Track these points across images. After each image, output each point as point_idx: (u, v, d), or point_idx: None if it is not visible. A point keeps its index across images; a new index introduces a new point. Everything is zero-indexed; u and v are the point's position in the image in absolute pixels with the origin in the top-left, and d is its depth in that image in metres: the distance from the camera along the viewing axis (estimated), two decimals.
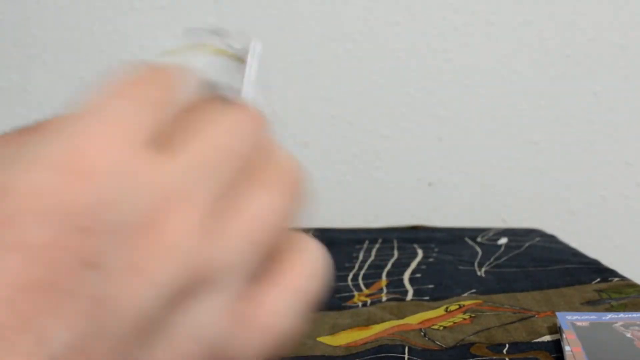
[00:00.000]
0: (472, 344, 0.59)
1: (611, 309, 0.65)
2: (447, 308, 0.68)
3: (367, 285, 0.78)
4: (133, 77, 0.24)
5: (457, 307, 0.68)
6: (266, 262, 0.23)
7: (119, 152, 0.20)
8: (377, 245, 0.95)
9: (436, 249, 0.92)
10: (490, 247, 0.93)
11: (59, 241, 0.18)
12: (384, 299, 0.73)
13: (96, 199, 0.19)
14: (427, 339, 0.60)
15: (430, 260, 0.87)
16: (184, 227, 0.20)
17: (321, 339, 0.62)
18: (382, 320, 0.65)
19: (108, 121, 0.21)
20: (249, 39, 0.32)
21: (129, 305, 0.19)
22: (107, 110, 0.22)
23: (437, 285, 0.76)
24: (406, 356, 0.56)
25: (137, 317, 0.19)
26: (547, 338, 0.58)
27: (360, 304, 0.72)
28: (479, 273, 0.81)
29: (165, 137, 0.22)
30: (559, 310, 0.63)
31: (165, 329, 0.20)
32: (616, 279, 0.74)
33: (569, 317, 0.57)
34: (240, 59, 0.33)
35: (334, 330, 0.64)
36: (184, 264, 0.20)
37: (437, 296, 0.73)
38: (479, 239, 0.97)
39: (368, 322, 0.65)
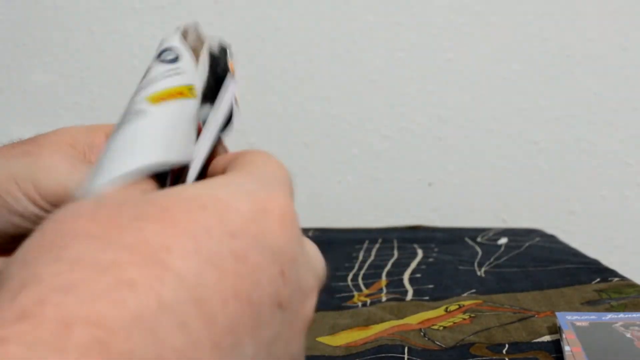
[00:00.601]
0: (472, 344, 0.59)
1: (611, 309, 0.65)
2: (447, 308, 0.68)
3: (366, 285, 0.78)
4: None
5: (457, 307, 0.68)
6: None
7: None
8: (377, 245, 0.95)
9: (436, 249, 0.92)
10: (490, 247, 0.93)
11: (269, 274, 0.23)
12: (384, 299, 0.73)
13: (299, 252, 0.25)
14: (426, 339, 0.60)
15: (430, 260, 0.87)
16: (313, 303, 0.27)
17: (321, 339, 0.62)
18: (382, 321, 0.65)
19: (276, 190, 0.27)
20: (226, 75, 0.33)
21: (294, 347, 0.25)
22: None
23: (437, 285, 0.76)
24: (406, 356, 0.56)
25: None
26: (546, 338, 0.58)
27: (360, 304, 0.72)
28: (478, 273, 0.81)
29: None
30: (559, 310, 0.63)
31: None
32: (616, 279, 0.74)
33: (568, 317, 0.57)
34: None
35: (333, 330, 0.64)
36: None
37: (437, 296, 0.73)
38: (479, 239, 0.97)
39: (368, 322, 0.65)
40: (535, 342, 0.58)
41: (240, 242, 0.23)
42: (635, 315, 0.57)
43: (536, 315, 0.64)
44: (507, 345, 0.58)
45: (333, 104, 1.13)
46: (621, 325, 0.55)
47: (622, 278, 0.75)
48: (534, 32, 1.12)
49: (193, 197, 0.24)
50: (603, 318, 0.57)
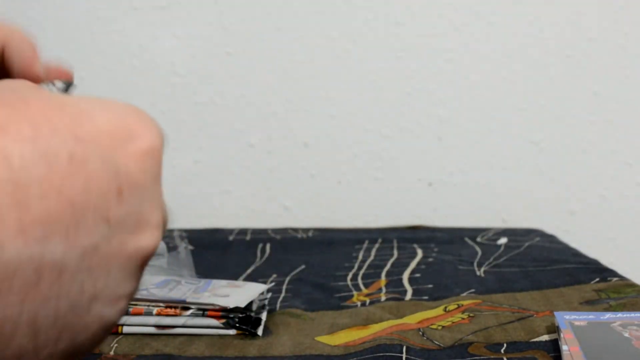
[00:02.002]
0: (471, 343, 0.59)
1: (610, 309, 0.65)
2: (445, 308, 0.68)
3: (366, 285, 0.78)
4: None
5: (456, 306, 0.68)
6: None
7: None
8: (376, 245, 0.95)
9: (436, 249, 0.92)
10: (489, 247, 0.93)
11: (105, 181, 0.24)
12: (383, 298, 0.73)
13: (151, 185, 0.26)
14: (425, 338, 0.60)
15: (430, 260, 0.87)
16: None
17: (319, 339, 0.62)
18: (381, 320, 0.66)
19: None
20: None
21: (114, 270, 0.24)
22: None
23: (436, 285, 0.77)
24: (404, 355, 0.56)
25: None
26: (545, 337, 0.58)
27: (359, 303, 0.72)
28: (478, 273, 0.81)
29: None
30: (558, 310, 0.63)
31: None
32: (615, 278, 0.74)
33: (567, 317, 0.57)
34: None
35: (332, 329, 0.64)
36: None
37: (436, 296, 0.73)
38: (478, 239, 0.97)
39: (367, 322, 0.65)
40: (533, 342, 0.58)
41: (83, 147, 0.23)
42: (633, 315, 0.57)
43: (535, 315, 0.64)
44: (505, 345, 0.58)
45: (333, 104, 1.13)
46: (619, 325, 0.55)
47: (621, 278, 0.75)
48: (534, 32, 1.12)
49: (56, 99, 0.25)
50: (601, 318, 0.57)
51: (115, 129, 0.26)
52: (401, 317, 0.66)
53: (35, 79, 0.36)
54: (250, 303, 0.64)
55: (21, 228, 0.22)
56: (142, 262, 0.26)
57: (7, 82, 0.26)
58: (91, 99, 0.26)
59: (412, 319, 0.65)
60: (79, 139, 0.24)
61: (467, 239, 0.97)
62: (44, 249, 0.22)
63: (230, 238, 1.01)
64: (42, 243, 0.22)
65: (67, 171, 0.23)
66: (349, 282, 0.80)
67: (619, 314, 0.58)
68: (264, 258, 0.91)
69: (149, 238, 0.26)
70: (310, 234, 1.02)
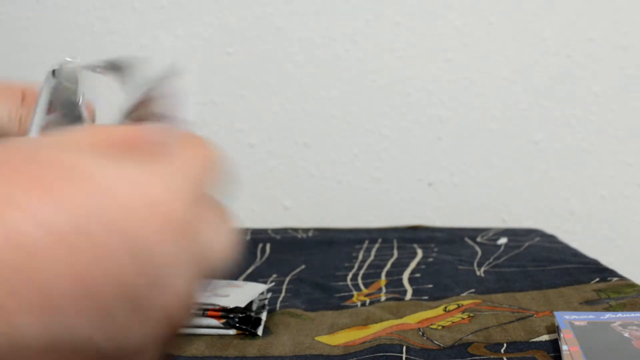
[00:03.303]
0: (470, 343, 0.59)
1: (610, 309, 0.65)
2: (445, 308, 0.68)
3: (366, 285, 0.78)
4: None
5: (456, 306, 0.68)
6: None
7: None
8: (376, 245, 0.95)
9: (436, 249, 0.92)
10: (489, 247, 0.93)
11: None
12: (383, 298, 0.73)
13: (175, 256, 0.24)
14: (425, 338, 0.60)
15: (430, 260, 0.87)
16: None
17: (319, 339, 0.62)
18: (381, 320, 0.66)
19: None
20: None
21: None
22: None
23: (436, 285, 0.77)
24: (404, 355, 0.56)
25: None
26: (545, 337, 0.58)
27: (359, 303, 0.72)
28: (478, 273, 0.81)
29: None
30: (557, 310, 0.63)
31: None
32: (615, 278, 0.74)
33: (567, 317, 0.57)
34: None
35: (332, 329, 0.64)
36: None
37: (436, 296, 0.73)
38: (478, 239, 0.97)
39: (367, 322, 0.65)
40: (533, 342, 0.58)
41: (98, 222, 0.22)
42: (633, 314, 0.57)
43: (535, 315, 0.64)
44: (505, 345, 0.58)
45: (333, 104, 1.13)
46: (619, 325, 0.55)
47: (621, 278, 0.75)
48: (534, 32, 1.12)
49: (70, 163, 0.23)
50: (601, 317, 0.57)
51: (135, 198, 0.24)
52: (401, 317, 0.66)
53: None
54: (250, 303, 0.64)
55: (39, 307, 0.21)
56: (171, 330, 0.25)
57: (16, 141, 0.25)
58: (113, 163, 0.25)
59: (412, 319, 0.65)
60: (93, 214, 0.22)
61: (467, 239, 0.97)
62: (63, 329, 0.21)
63: None
64: (60, 323, 0.21)
65: (81, 249, 0.22)
66: (349, 282, 0.80)
67: (619, 314, 0.58)
68: (264, 258, 0.91)
69: (175, 307, 0.24)
70: (310, 234, 1.02)
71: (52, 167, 0.23)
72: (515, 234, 0.98)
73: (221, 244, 0.27)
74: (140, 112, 0.35)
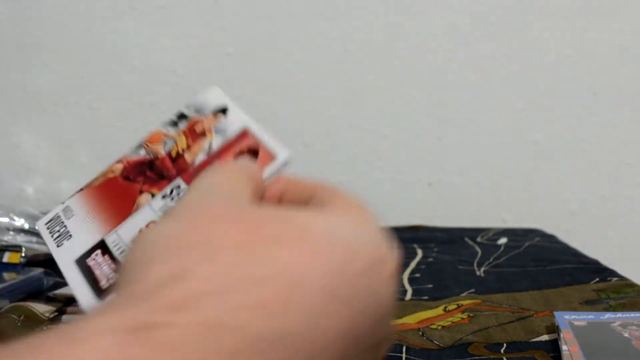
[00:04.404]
0: (470, 343, 0.59)
1: (609, 309, 0.65)
2: (445, 308, 0.68)
3: None
4: None
5: (456, 306, 0.68)
6: None
7: None
8: None
9: (436, 249, 0.92)
10: (489, 247, 0.93)
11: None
12: None
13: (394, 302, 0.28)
14: (425, 338, 0.60)
15: (430, 260, 0.87)
16: None
17: None
18: None
19: None
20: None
21: None
22: None
23: (436, 285, 0.76)
24: (404, 355, 0.56)
25: None
26: (545, 337, 0.58)
27: None
28: (478, 273, 0.81)
29: None
30: (557, 310, 0.63)
31: None
32: (615, 278, 0.74)
33: (566, 317, 0.57)
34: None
35: None
36: None
37: (436, 296, 0.73)
38: (478, 239, 0.97)
39: None
40: (533, 342, 0.58)
41: (357, 287, 0.25)
42: (633, 314, 0.57)
43: (534, 315, 0.64)
44: (505, 345, 0.58)
45: (333, 104, 1.13)
46: (619, 325, 0.55)
47: (621, 278, 0.75)
48: (534, 32, 1.12)
49: (327, 232, 0.26)
50: (601, 317, 0.57)
51: (374, 260, 0.27)
52: (401, 317, 0.66)
53: None
54: None
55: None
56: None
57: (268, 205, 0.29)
58: (345, 224, 0.27)
59: (411, 319, 0.65)
60: (354, 280, 0.25)
61: (467, 239, 0.97)
62: None
63: None
64: None
65: (349, 315, 0.24)
66: None
67: (619, 314, 0.58)
68: None
69: (388, 349, 0.28)
70: None
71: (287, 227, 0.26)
72: (515, 234, 0.98)
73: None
74: (236, 148, 0.37)
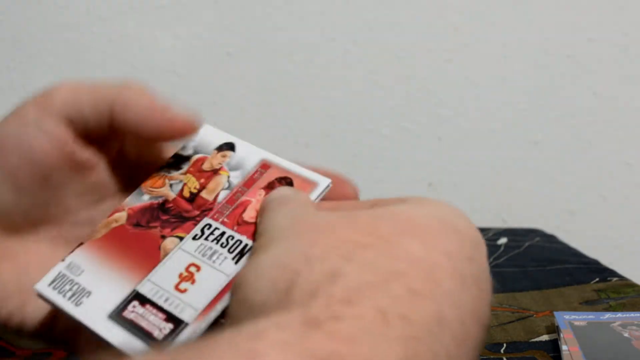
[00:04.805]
0: None
1: (609, 309, 0.65)
2: None
3: None
4: None
5: None
6: None
7: None
8: None
9: None
10: (489, 247, 0.92)
11: None
12: None
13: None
14: None
15: None
16: None
17: None
18: None
19: None
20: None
21: None
22: None
23: None
24: None
25: None
26: (545, 337, 0.58)
27: None
28: None
29: None
30: (557, 310, 0.63)
31: None
32: (615, 278, 0.74)
33: (566, 317, 0.57)
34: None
35: None
36: None
37: None
38: None
39: None
40: (533, 342, 0.58)
41: (474, 267, 0.27)
42: (633, 314, 0.57)
43: (534, 315, 0.64)
44: (505, 345, 0.58)
45: (333, 104, 1.13)
46: (619, 325, 0.55)
47: (621, 278, 0.75)
48: (534, 32, 1.11)
49: (436, 219, 0.28)
50: (601, 318, 0.57)
51: (475, 242, 0.29)
52: None
53: (161, 129, 0.36)
54: None
55: (463, 352, 0.25)
56: None
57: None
58: (447, 212, 0.30)
59: None
60: (471, 260, 0.27)
61: None
62: None
63: None
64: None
65: (476, 294, 0.27)
66: None
67: (619, 314, 0.58)
68: None
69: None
70: None
71: None
72: (515, 234, 0.98)
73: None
74: (263, 180, 0.37)
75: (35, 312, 0.36)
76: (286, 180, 0.37)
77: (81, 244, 0.37)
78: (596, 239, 1.14)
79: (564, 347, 0.52)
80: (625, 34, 1.11)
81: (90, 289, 0.34)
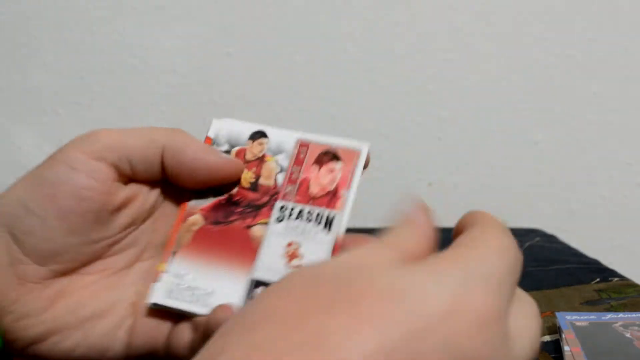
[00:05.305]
0: None
1: (611, 309, 0.65)
2: None
3: None
4: None
5: None
6: None
7: None
8: None
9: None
10: None
11: None
12: None
13: (499, 352, 0.25)
14: None
15: None
16: None
17: None
18: None
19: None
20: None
21: None
22: None
23: None
24: None
25: None
26: (546, 338, 0.58)
27: None
28: None
29: None
30: (558, 310, 0.63)
31: None
32: (616, 278, 0.74)
33: (568, 317, 0.57)
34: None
35: None
36: None
37: None
38: None
39: None
40: None
41: (425, 344, 0.23)
42: (634, 315, 0.57)
43: None
44: None
45: (333, 103, 1.13)
46: (621, 325, 0.55)
47: (622, 278, 0.75)
48: (534, 32, 1.11)
49: (386, 288, 0.24)
50: (603, 318, 0.57)
51: (448, 311, 0.24)
52: None
53: (212, 174, 0.38)
54: None
55: None
56: None
57: (328, 271, 0.26)
58: (418, 274, 0.25)
59: None
60: (419, 337, 0.23)
61: None
62: None
63: None
64: None
65: None
66: None
67: (620, 314, 0.58)
68: None
69: None
70: None
71: (369, 295, 0.24)
72: (515, 234, 0.97)
73: (529, 340, 0.27)
74: (309, 158, 0.40)
75: (98, 340, 0.38)
76: (331, 154, 0.41)
77: (174, 252, 0.38)
78: (596, 239, 1.14)
79: (566, 348, 0.52)
80: (625, 34, 1.11)
81: (210, 289, 0.36)
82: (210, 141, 0.42)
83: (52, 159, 0.40)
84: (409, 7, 1.11)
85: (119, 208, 0.39)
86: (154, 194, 0.41)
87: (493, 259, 0.27)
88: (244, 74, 1.13)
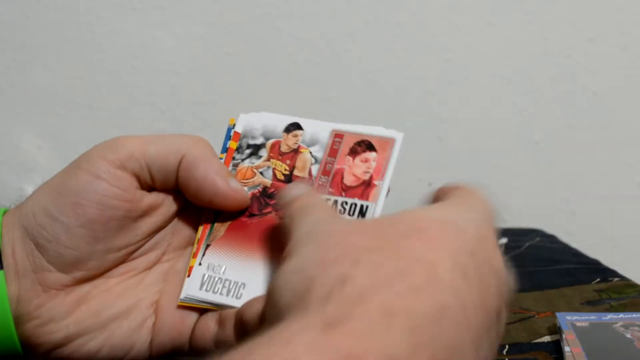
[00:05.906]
0: None
1: (611, 309, 0.65)
2: None
3: None
4: None
5: None
6: None
7: None
8: None
9: None
10: None
11: None
12: None
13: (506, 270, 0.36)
14: None
15: None
16: None
17: None
18: None
19: None
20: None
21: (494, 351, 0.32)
22: None
23: None
24: None
25: None
26: (547, 338, 0.58)
27: None
28: None
29: None
30: (559, 311, 0.63)
31: None
32: (616, 279, 0.75)
33: (568, 318, 0.57)
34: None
35: None
36: None
37: None
38: None
39: None
40: (535, 343, 0.58)
41: (477, 260, 0.30)
42: (635, 315, 0.57)
43: (536, 316, 0.64)
44: (507, 346, 0.58)
45: (333, 103, 1.13)
46: (621, 326, 0.55)
47: (622, 278, 0.75)
48: (534, 32, 1.12)
49: (437, 221, 0.31)
50: (603, 318, 0.57)
51: (479, 236, 0.33)
52: None
53: (214, 194, 0.39)
54: None
55: (472, 342, 0.27)
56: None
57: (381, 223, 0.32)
58: (449, 211, 0.34)
59: None
60: (472, 254, 0.30)
61: None
62: (479, 355, 0.28)
63: None
64: (479, 350, 0.28)
65: (478, 285, 0.29)
66: None
67: (621, 315, 0.58)
68: None
69: (505, 314, 0.32)
70: None
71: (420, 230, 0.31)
72: (515, 234, 0.98)
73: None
74: (344, 148, 0.40)
75: (122, 340, 0.39)
76: (366, 143, 0.41)
77: (208, 245, 0.39)
78: (596, 239, 1.14)
79: (566, 348, 0.52)
80: (625, 34, 1.11)
81: (243, 280, 0.36)
82: (238, 137, 0.42)
83: (75, 167, 0.40)
84: (409, 7, 1.11)
85: (143, 215, 0.40)
86: (178, 201, 0.41)
87: (485, 206, 0.38)
88: (244, 74, 1.13)
